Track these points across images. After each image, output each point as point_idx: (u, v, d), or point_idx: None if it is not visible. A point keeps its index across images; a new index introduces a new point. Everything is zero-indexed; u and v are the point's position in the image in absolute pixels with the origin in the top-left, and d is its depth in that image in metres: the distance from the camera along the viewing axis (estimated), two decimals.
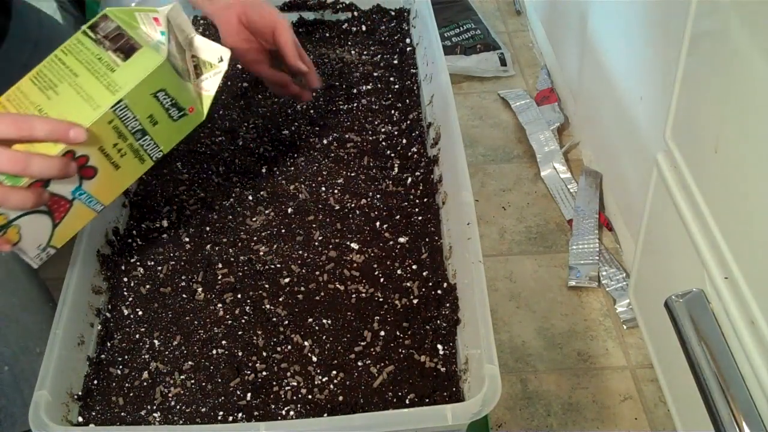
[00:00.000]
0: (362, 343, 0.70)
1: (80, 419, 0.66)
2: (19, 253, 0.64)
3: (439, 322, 0.72)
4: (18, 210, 0.60)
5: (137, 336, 0.73)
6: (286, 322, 0.72)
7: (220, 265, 0.78)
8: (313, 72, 0.88)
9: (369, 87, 1.00)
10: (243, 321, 0.73)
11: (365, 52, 1.07)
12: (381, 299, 0.74)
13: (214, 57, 0.71)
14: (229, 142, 0.92)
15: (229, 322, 0.73)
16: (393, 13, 1.12)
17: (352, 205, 0.84)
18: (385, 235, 0.80)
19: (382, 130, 0.94)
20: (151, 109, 0.65)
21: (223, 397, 0.67)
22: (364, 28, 1.11)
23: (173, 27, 0.67)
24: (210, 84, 0.71)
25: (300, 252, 0.79)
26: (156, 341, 0.72)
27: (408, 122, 0.95)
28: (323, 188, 0.86)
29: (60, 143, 0.59)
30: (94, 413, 0.67)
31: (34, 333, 0.80)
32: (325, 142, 0.92)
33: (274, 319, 0.73)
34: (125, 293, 0.76)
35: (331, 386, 0.67)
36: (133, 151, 0.65)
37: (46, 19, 1.00)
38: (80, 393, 0.68)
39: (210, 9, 0.87)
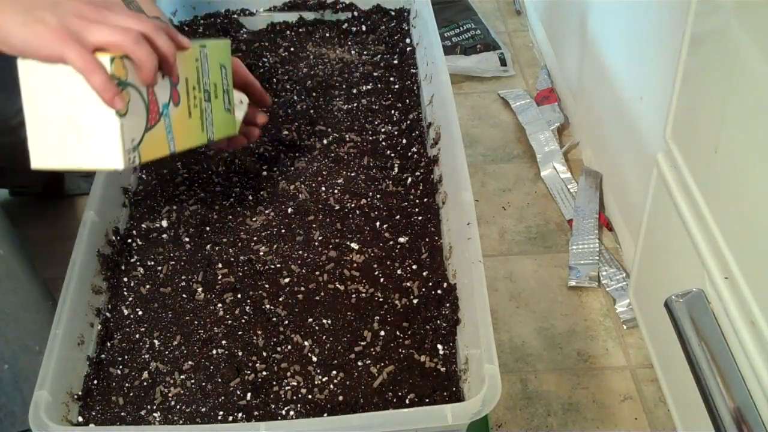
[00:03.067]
0: (362, 343, 0.70)
1: (80, 419, 0.66)
2: (118, 133, 0.61)
3: (439, 322, 0.72)
4: (136, 69, 0.61)
5: (137, 336, 0.73)
6: (286, 322, 0.72)
7: (220, 265, 0.78)
8: (260, 99, 0.83)
9: (369, 87, 1.00)
10: (243, 321, 0.73)
11: (365, 52, 1.07)
12: (381, 299, 0.74)
13: (237, 100, 0.78)
14: None
15: (229, 322, 0.73)
16: (393, 13, 1.12)
17: (352, 205, 0.84)
18: (385, 235, 0.80)
19: (382, 130, 0.94)
20: (216, 77, 0.72)
21: (223, 397, 0.67)
22: (364, 28, 1.11)
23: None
24: (238, 113, 0.78)
25: (300, 252, 0.79)
26: (156, 341, 0.72)
27: (408, 122, 0.95)
28: (323, 188, 0.86)
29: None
30: (94, 413, 0.67)
31: (33, 332, 0.80)
32: (325, 142, 0.92)
33: (274, 319, 0.73)
34: (125, 293, 0.76)
35: (331, 386, 0.67)
36: (201, 110, 0.70)
37: None
38: (80, 393, 0.68)
39: None
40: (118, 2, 0.66)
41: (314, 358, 0.70)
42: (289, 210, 0.84)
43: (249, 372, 0.69)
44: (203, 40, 0.72)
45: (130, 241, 0.81)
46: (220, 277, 0.77)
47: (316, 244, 0.80)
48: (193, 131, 0.71)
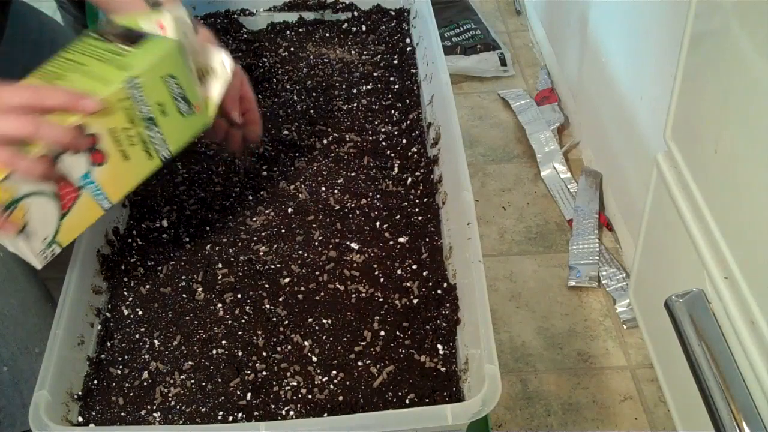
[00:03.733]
0: (362, 343, 0.70)
1: (80, 419, 0.66)
2: (23, 247, 0.61)
3: (439, 322, 0.72)
4: (25, 180, 0.58)
5: (137, 336, 0.72)
6: (286, 322, 0.72)
7: (220, 265, 0.78)
8: (254, 126, 0.81)
9: (369, 87, 1.00)
10: (243, 321, 0.73)
11: (365, 52, 1.07)
12: (381, 299, 0.74)
13: (217, 62, 0.71)
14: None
15: (229, 322, 0.73)
16: (393, 13, 1.12)
17: (352, 205, 0.84)
18: (385, 235, 0.80)
19: (382, 130, 0.94)
20: (162, 95, 0.64)
21: (223, 397, 0.67)
22: (364, 28, 1.11)
23: (179, 28, 0.67)
24: (214, 90, 0.71)
25: (300, 252, 0.79)
26: (156, 341, 0.72)
27: (408, 122, 0.95)
28: (323, 188, 0.86)
29: (72, 113, 0.58)
30: (94, 413, 0.67)
31: (33, 333, 0.80)
32: (325, 142, 0.92)
33: (274, 319, 0.73)
34: (125, 293, 0.76)
35: (331, 386, 0.67)
36: (143, 142, 0.64)
37: (47, 21, 1.00)
38: (80, 393, 0.68)
39: None
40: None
41: (314, 358, 0.70)
42: (289, 210, 0.84)
43: (249, 372, 0.69)
44: (135, 58, 0.63)
45: (130, 241, 0.81)
46: (220, 277, 0.77)
47: (316, 244, 0.80)
48: (137, 167, 0.65)
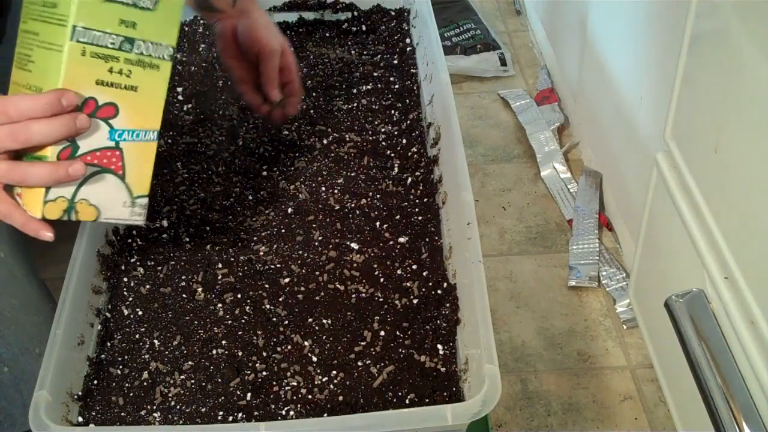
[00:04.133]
0: (362, 343, 0.70)
1: (80, 419, 0.66)
2: (114, 221, 0.62)
3: (439, 322, 0.72)
4: (65, 185, 0.58)
5: (137, 336, 0.72)
6: (286, 322, 0.72)
7: (220, 265, 0.78)
8: (292, 98, 0.86)
9: (369, 87, 1.00)
10: (243, 321, 0.73)
11: (365, 52, 1.07)
12: (381, 299, 0.74)
13: None
14: (229, 142, 0.92)
15: (229, 322, 0.73)
16: (393, 13, 1.12)
17: (352, 205, 0.84)
18: (385, 235, 0.80)
19: (382, 130, 0.94)
20: (115, 13, 0.59)
21: (223, 397, 0.67)
22: (364, 28, 1.11)
23: None
24: None
25: (300, 252, 0.79)
26: (156, 341, 0.72)
27: (408, 122, 0.95)
28: (323, 188, 0.86)
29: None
30: (94, 413, 0.67)
31: (33, 334, 0.80)
32: (325, 142, 0.92)
33: (274, 319, 0.73)
34: (125, 293, 0.76)
35: (331, 386, 0.67)
36: (137, 63, 0.61)
37: None
38: (80, 393, 0.68)
39: (210, 19, 0.87)
40: None
41: (314, 358, 0.70)
42: (289, 210, 0.84)
43: (249, 372, 0.69)
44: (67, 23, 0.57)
45: (130, 241, 0.81)
46: (220, 277, 0.77)
47: (316, 244, 0.80)
48: (152, 85, 0.62)
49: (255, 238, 0.81)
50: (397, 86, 1.00)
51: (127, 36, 0.59)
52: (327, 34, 1.10)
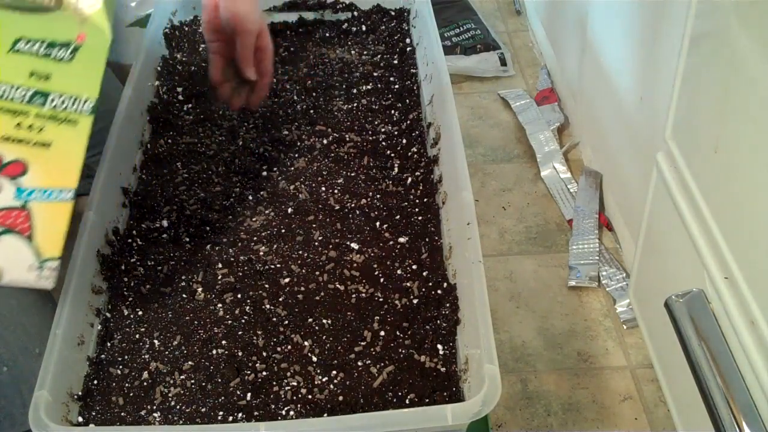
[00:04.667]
0: (362, 343, 0.70)
1: (80, 419, 0.66)
2: (18, 283, 0.58)
3: (439, 322, 0.72)
4: None
5: (137, 336, 0.72)
6: (286, 322, 0.72)
7: (220, 265, 0.78)
8: (263, 80, 0.85)
9: (369, 87, 1.00)
10: (243, 321, 0.73)
11: (365, 52, 1.07)
12: (381, 299, 0.74)
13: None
14: (229, 142, 0.92)
15: (229, 322, 0.73)
16: (393, 13, 1.12)
17: (352, 205, 0.84)
18: (385, 235, 0.80)
19: (382, 130, 0.94)
20: (25, 65, 0.54)
21: (223, 397, 0.67)
22: (364, 28, 1.11)
23: None
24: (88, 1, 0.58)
25: (300, 252, 0.79)
26: (156, 341, 0.72)
27: (408, 122, 0.95)
28: (323, 188, 0.86)
29: None
30: (94, 413, 0.67)
31: (33, 334, 0.80)
32: (325, 142, 0.92)
33: (274, 319, 0.73)
34: (125, 293, 0.76)
35: (331, 386, 0.67)
36: (50, 118, 0.56)
37: None
38: (80, 393, 0.68)
39: None
40: None
41: (314, 358, 0.70)
42: (289, 210, 0.84)
43: (249, 372, 0.69)
44: None
45: (130, 241, 0.81)
46: (220, 277, 0.77)
47: (316, 244, 0.80)
48: (69, 141, 0.57)
49: (255, 238, 0.81)
50: (397, 86, 1.00)
51: (38, 89, 0.55)
52: (327, 34, 1.10)
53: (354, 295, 0.74)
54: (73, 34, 0.56)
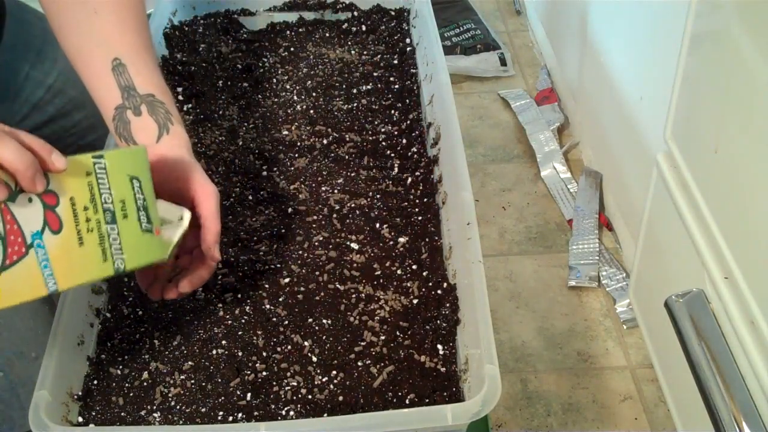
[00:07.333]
0: (362, 343, 0.70)
1: (80, 419, 0.66)
2: None
3: (439, 322, 0.72)
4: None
5: (137, 336, 0.72)
6: (286, 322, 0.72)
7: (220, 265, 0.78)
8: (199, 267, 0.67)
9: (369, 87, 1.00)
10: (243, 321, 0.73)
11: (365, 52, 1.07)
12: (381, 299, 0.74)
13: (175, 216, 0.64)
14: (229, 142, 0.92)
15: (229, 322, 0.73)
16: (393, 13, 1.13)
17: (352, 205, 0.84)
18: (385, 235, 0.80)
19: (382, 130, 0.94)
20: (125, 193, 0.58)
21: (223, 397, 0.67)
22: (364, 28, 1.11)
23: None
24: (171, 233, 0.63)
25: (300, 252, 0.79)
26: (156, 341, 0.72)
27: (408, 122, 0.95)
28: (323, 188, 0.86)
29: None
30: (94, 413, 0.67)
31: (29, 338, 0.80)
32: (325, 142, 0.92)
33: (274, 319, 0.73)
34: (125, 293, 0.76)
35: (331, 386, 0.67)
36: (100, 234, 0.57)
37: (51, 28, 0.99)
38: (80, 393, 0.68)
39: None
40: None
41: (314, 358, 0.70)
42: (289, 210, 0.84)
43: (249, 372, 0.69)
44: (104, 150, 0.57)
45: None
46: (220, 277, 0.77)
47: (316, 244, 0.80)
48: (90, 261, 0.56)
49: (255, 238, 0.81)
50: (397, 86, 1.00)
51: (114, 213, 0.58)
52: (327, 34, 1.10)
53: (354, 295, 0.74)
54: (156, 223, 0.61)
